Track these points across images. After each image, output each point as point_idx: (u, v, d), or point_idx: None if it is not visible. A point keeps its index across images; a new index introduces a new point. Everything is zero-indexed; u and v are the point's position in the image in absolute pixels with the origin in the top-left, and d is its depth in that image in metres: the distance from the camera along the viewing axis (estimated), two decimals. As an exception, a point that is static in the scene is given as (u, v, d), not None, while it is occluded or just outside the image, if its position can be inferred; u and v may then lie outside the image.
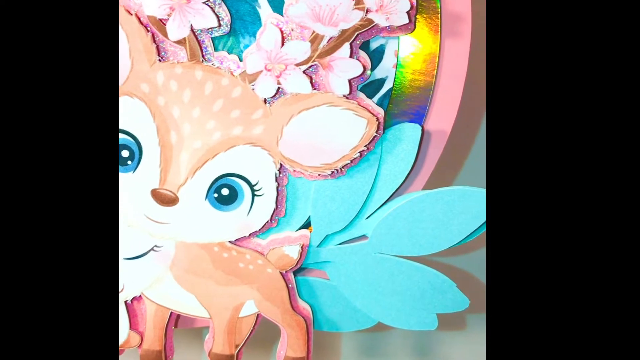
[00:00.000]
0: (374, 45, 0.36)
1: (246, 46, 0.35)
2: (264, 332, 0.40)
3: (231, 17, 0.35)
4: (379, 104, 0.36)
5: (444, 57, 0.37)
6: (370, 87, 0.36)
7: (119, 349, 0.39)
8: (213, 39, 0.35)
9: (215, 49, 0.35)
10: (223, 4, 0.34)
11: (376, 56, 0.36)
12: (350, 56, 0.34)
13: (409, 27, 0.34)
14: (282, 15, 0.34)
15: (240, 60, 0.35)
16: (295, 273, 0.39)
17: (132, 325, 0.39)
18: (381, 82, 0.37)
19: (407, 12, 0.33)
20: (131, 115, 0.35)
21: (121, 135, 0.35)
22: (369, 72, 0.35)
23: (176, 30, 0.33)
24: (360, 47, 0.35)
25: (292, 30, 0.34)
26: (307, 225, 0.38)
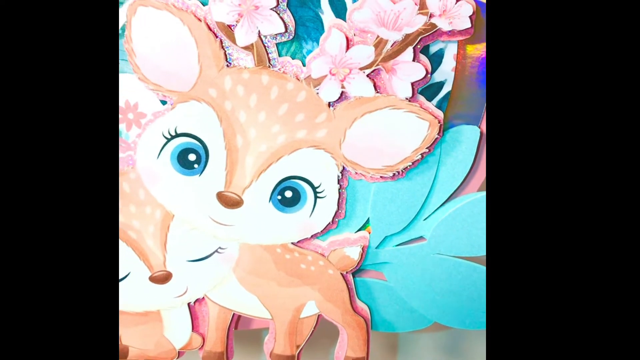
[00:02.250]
0: (433, 49, 0.37)
1: (309, 51, 0.36)
2: (320, 332, 0.41)
3: (295, 23, 0.35)
4: (438, 106, 0.37)
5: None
6: (429, 90, 0.37)
7: (179, 350, 0.40)
8: (277, 45, 0.36)
9: (279, 55, 0.36)
10: (288, 11, 0.35)
11: (435, 60, 0.37)
12: (413, 60, 0.35)
13: (470, 31, 0.35)
14: (345, 21, 0.35)
15: (304, 65, 0.36)
16: (353, 274, 0.40)
17: (194, 327, 0.40)
18: (440, 85, 0.37)
19: (469, 17, 0.34)
20: (199, 120, 0.35)
21: (188, 139, 0.36)
22: (429, 75, 0.36)
23: (244, 36, 0.34)
24: (420, 51, 0.35)
25: (354, 35, 0.35)
26: (365, 226, 0.39)
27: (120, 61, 0.36)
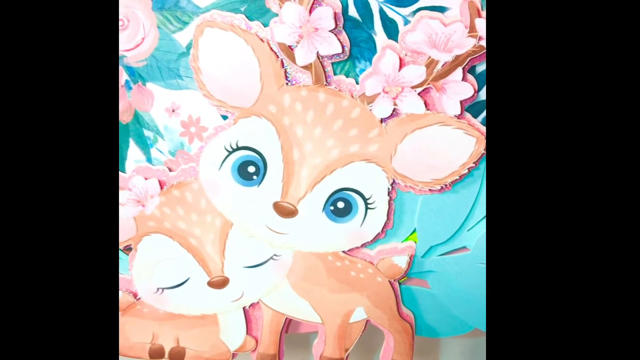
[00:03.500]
0: (479, 68, 0.39)
1: (361, 70, 0.38)
2: (364, 336, 0.43)
3: (350, 44, 0.38)
4: (483, 123, 0.39)
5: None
6: (475, 108, 0.39)
7: (233, 352, 0.42)
8: (332, 64, 0.38)
9: (334, 73, 0.38)
10: (343, 32, 0.37)
11: (481, 79, 0.39)
12: (462, 79, 0.37)
13: (515, 52, 0.37)
14: (397, 42, 0.37)
15: (357, 83, 0.38)
16: (398, 282, 0.41)
17: (249, 330, 0.42)
18: (484, 103, 0.39)
19: (516, 39, 0.36)
20: (258, 134, 0.37)
21: (248, 152, 0.38)
22: (476, 94, 0.38)
23: (304, 56, 0.36)
24: (467, 71, 0.37)
25: (405, 55, 0.37)
26: (411, 236, 0.41)
27: (184, 78, 0.38)
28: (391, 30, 0.38)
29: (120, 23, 0.37)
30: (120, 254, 0.41)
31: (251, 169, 0.38)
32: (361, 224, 0.39)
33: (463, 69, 0.37)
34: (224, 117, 0.39)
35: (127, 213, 0.38)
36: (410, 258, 0.40)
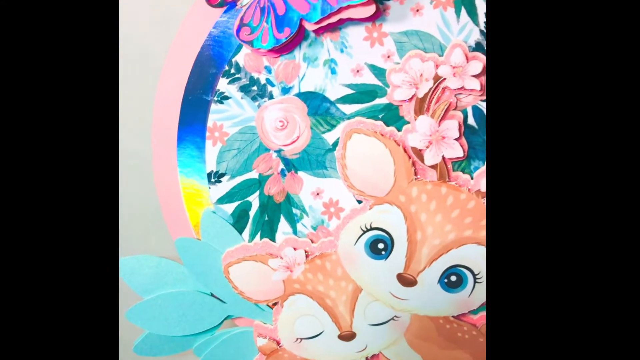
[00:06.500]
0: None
1: (475, 168, 0.46)
2: (462, 386, 0.50)
3: (467, 147, 0.45)
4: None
5: None
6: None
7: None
8: (452, 162, 0.46)
9: (452, 169, 0.46)
10: (463, 137, 0.45)
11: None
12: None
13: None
14: (507, 147, 0.45)
15: (471, 178, 0.45)
16: (496, 342, 0.49)
17: (368, 376, 0.50)
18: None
19: None
20: (389, 218, 0.46)
21: (379, 232, 0.46)
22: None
23: (431, 158, 0.44)
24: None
25: (514, 158, 0.45)
26: (509, 305, 0.48)
27: (329, 169, 0.47)
28: (502, 136, 0.45)
29: (280, 124, 0.46)
30: (265, 307, 0.49)
31: (380, 245, 0.46)
32: (469, 295, 0.47)
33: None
34: (359, 202, 0.47)
35: (277, 276, 0.47)
36: (508, 324, 0.47)
